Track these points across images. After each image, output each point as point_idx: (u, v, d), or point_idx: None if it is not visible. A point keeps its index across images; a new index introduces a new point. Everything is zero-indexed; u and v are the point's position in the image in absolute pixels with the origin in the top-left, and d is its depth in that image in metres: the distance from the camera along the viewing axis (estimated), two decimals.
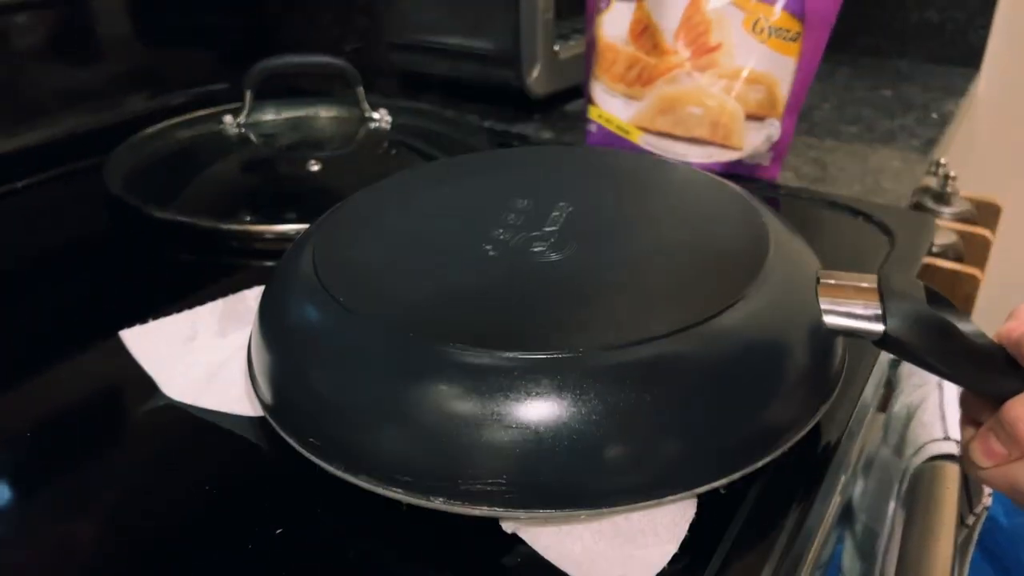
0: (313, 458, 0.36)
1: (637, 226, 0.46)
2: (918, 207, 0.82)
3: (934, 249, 0.73)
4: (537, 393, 0.33)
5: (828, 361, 0.40)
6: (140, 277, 0.60)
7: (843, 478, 0.55)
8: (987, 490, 0.56)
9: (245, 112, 0.76)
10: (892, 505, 0.60)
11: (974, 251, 0.75)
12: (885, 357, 0.63)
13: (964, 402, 0.41)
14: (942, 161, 0.85)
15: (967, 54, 1.14)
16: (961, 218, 0.81)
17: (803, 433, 0.38)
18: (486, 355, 0.34)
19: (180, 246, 0.63)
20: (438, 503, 0.34)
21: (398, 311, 0.38)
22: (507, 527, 0.35)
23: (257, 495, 0.39)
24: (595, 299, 0.40)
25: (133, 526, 0.38)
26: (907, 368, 0.68)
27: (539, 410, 0.33)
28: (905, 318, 0.37)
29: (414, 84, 1.01)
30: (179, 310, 0.51)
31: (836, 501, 0.55)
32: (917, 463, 0.57)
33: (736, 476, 0.36)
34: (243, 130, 0.77)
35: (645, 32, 0.75)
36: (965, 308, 0.71)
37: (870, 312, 0.38)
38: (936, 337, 0.37)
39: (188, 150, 0.75)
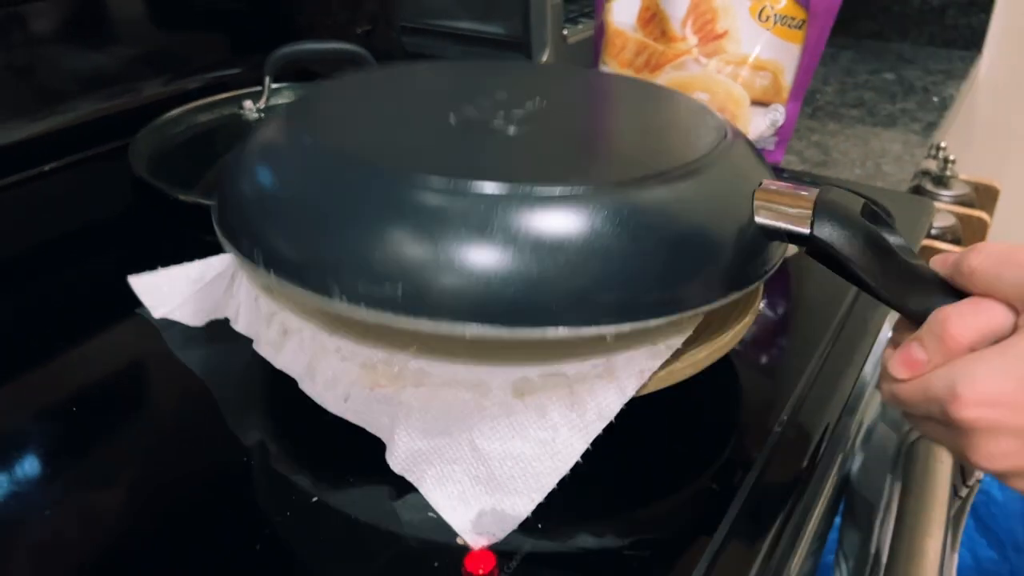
0: (243, 258, 0.40)
1: (600, 119, 0.49)
2: (918, 190, 0.84)
3: (933, 231, 0.75)
4: (440, 216, 0.36)
5: (750, 255, 0.41)
6: (165, 257, 0.62)
7: (841, 455, 0.57)
8: None
9: (264, 98, 0.78)
10: (888, 478, 0.62)
11: (972, 233, 0.78)
12: (884, 336, 0.65)
13: (896, 329, 0.40)
14: (942, 145, 0.87)
15: (969, 37, 1.16)
16: (960, 201, 0.83)
17: (700, 311, 0.39)
18: (400, 176, 0.37)
19: (203, 227, 0.65)
20: (337, 302, 0.36)
21: (340, 139, 0.41)
22: (395, 467, 0.39)
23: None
24: (524, 157, 0.42)
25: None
26: None
27: (441, 230, 0.35)
28: (833, 225, 0.38)
29: None
30: None
31: (834, 475, 0.57)
32: (913, 437, 0.59)
33: (625, 327, 0.37)
34: (262, 115, 0.79)
35: (653, 19, 0.76)
36: None
37: (799, 215, 0.39)
38: (863, 248, 0.38)
39: (209, 134, 0.77)
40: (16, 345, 0.52)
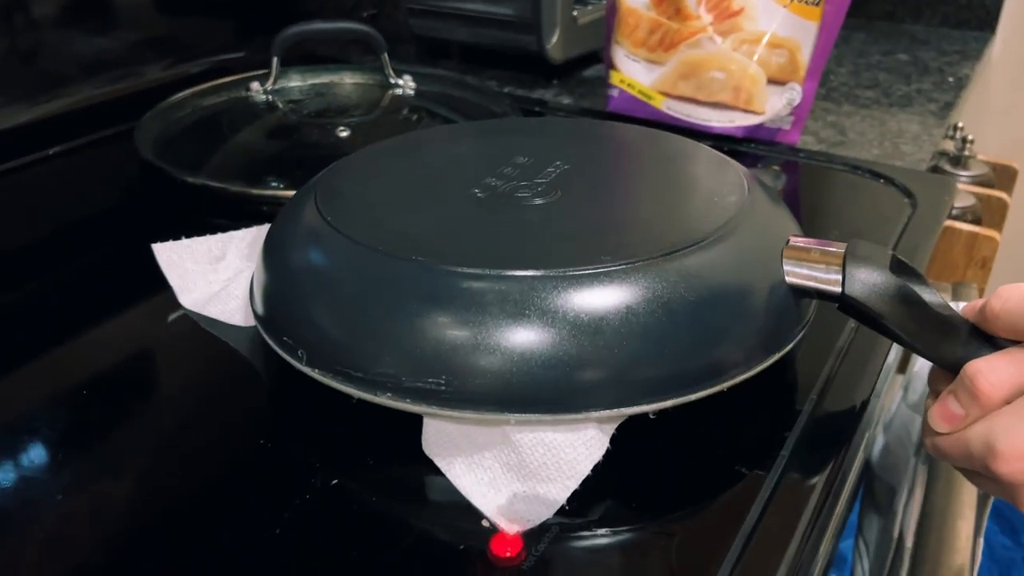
0: (287, 356, 0.41)
1: (623, 184, 0.49)
2: (936, 171, 0.83)
3: (953, 212, 0.73)
4: (481, 309, 0.36)
5: (783, 316, 0.41)
6: (173, 239, 0.61)
7: (867, 435, 0.56)
8: None
9: (272, 79, 0.77)
10: (912, 461, 0.61)
11: (992, 213, 0.76)
12: None
13: (931, 378, 0.41)
14: (959, 125, 0.85)
15: (982, 18, 1.15)
16: (979, 181, 0.81)
17: (740, 379, 0.39)
18: (439, 269, 0.38)
19: (212, 210, 0.64)
20: (384, 399, 0.37)
21: (372, 230, 0.41)
22: (426, 450, 0.38)
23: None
24: (559, 233, 0.42)
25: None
26: None
27: (482, 323, 0.36)
28: (864, 282, 0.38)
29: (432, 50, 1.01)
30: None
31: (859, 458, 0.56)
32: None
33: (667, 404, 0.37)
34: (270, 97, 0.78)
35: None
36: (983, 270, 0.72)
37: (830, 275, 0.39)
38: (894, 303, 0.38)
39: (216, 116, 0.76)
40: (23, 329, 0.51)
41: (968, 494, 0.52)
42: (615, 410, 0.37)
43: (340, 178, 0.48)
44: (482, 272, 0.37)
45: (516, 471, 0.37)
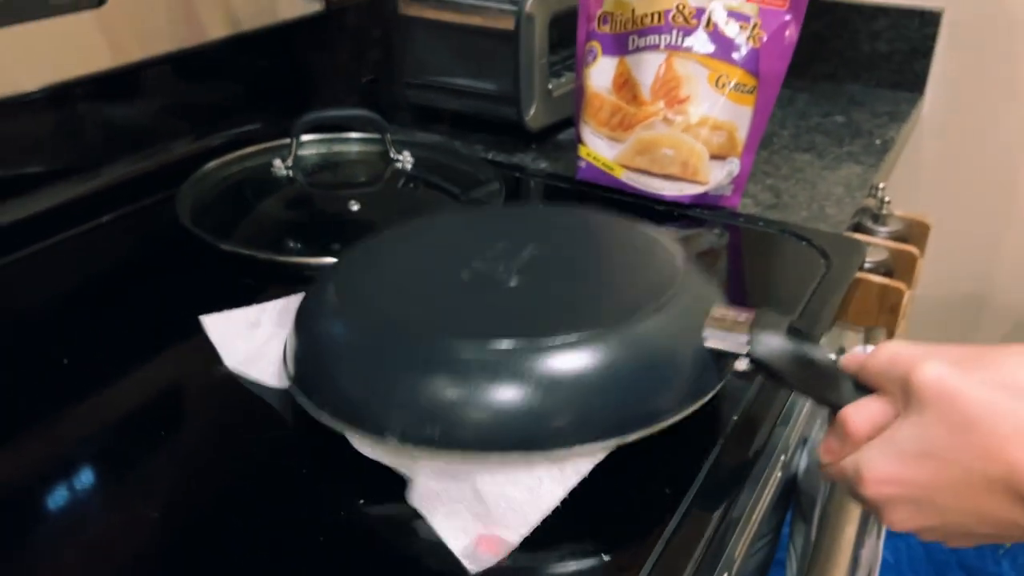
0: (315, 411, 0.52)
1: (581, 265, 0.61)
2: (859, 227, 0.96)
3: (867, 265, 0.86)
4: (467, 372, 0.48)
5: (708, 369, 0.52)
6: (210, 297, 0.70)
7: (783, 458, 0.69)
8: None
9: (292, 155, 0.90)
10: None
11: (902, 266, 0.89)
12: None
13: (829, 419, 0.48)
14: (880, 185, 0.99)
15: (912, 81, 1.29)
16: (894, 236, 0.95)
17: (672, 421, 0.50)
18: (429, 339, 0.49)
19: (243, 273, 0.75)
20: (392, 443, 0.48)
21: (379, 310, 0.53)
22: (412, 502, 0.48)
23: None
24: (528, 308, 0.54)
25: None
26: None
27: (469, 382, 0.47)
28: (766, 345, 0.49)
29: (425, 116, 1.14)
30: None
31: (777, 476, 0.69)
32: None
33: (611, 444, 0.48)
34: (290, 173, 0.90)
35: (626, 85, 0.88)
36: (893, 315, 0.85)
37: (740, 340, 0.50)
38: (789, 361, 0.49)
39: (241, 185, 0.88)
40: (82, 372, 0.62)
41: (855, 504, 0.64)
42: (570, 448, 0.47)
43: (354, 265, 0.60)
44: (468, 344, 0.48)
45: (483, 520, 0.46)
